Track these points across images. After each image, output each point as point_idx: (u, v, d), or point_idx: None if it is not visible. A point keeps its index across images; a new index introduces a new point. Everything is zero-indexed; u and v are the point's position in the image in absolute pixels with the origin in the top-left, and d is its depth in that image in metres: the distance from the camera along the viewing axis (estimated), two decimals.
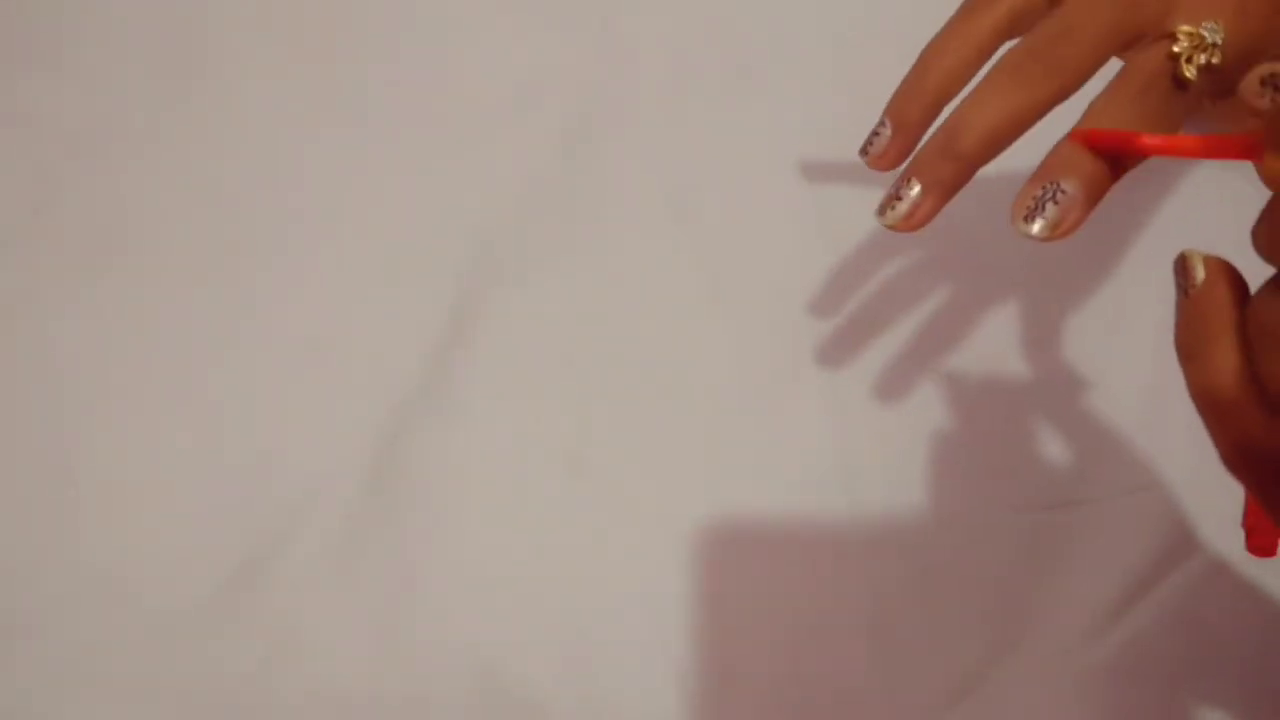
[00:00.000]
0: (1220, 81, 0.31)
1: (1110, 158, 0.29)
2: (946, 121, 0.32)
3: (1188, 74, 0.30)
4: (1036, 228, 0.29)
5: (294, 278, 0.51)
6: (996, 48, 0.33)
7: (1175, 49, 0.30)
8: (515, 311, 0.51)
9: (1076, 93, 0.31)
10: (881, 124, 0.33)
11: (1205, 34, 0.30)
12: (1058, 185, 0.29)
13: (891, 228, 0.32)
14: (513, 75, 0.56)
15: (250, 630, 0.45)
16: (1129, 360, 0.49)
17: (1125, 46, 0.31)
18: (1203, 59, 0.30)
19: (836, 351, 0.50)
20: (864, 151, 0.34)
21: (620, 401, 0.49)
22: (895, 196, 0.32)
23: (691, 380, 0.49)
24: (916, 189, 0.32)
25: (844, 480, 0.48)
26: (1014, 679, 0.43)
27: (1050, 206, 0.29)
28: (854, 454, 0.48)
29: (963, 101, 0.32)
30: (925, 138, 0.33)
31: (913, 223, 0.32)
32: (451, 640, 0.45)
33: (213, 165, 0.54)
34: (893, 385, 0.49)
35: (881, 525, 0.46)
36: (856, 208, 0.52)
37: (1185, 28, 0.30)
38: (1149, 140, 0.27)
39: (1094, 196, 0.29)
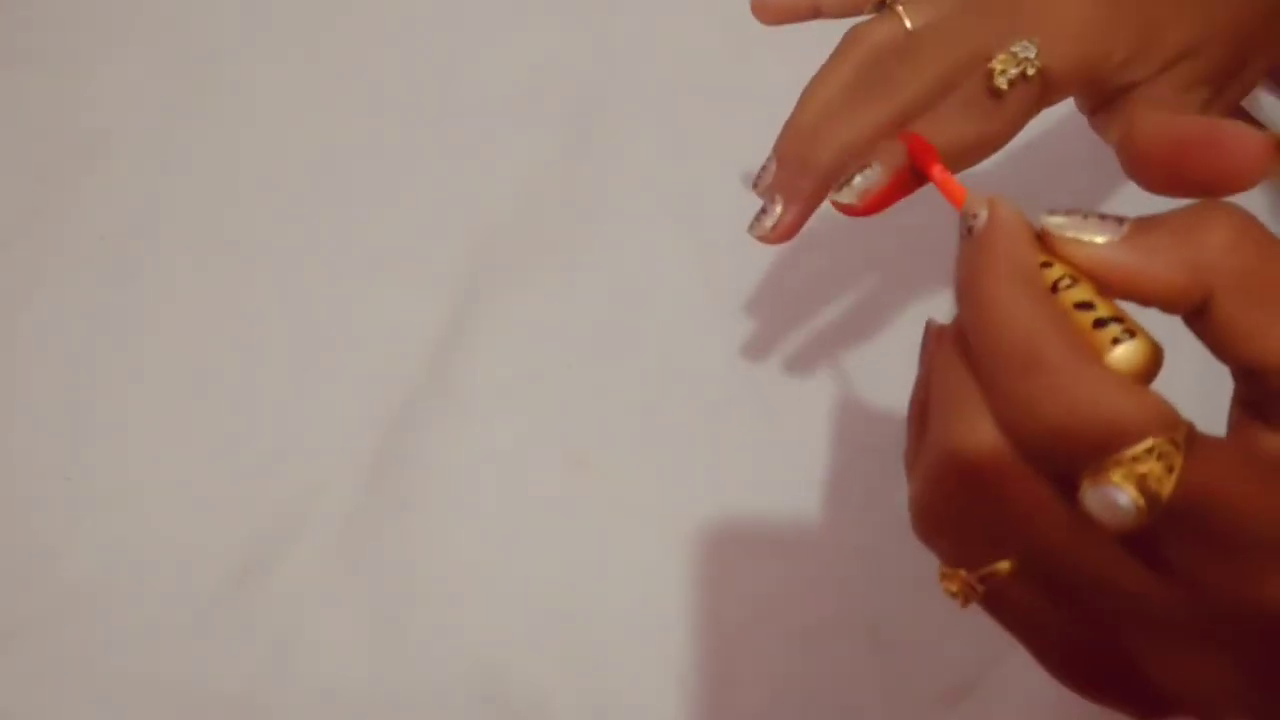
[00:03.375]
0: (1053, 93, 0.34)
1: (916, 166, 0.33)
2: (799, 137, 0.36)
3: (999, 84, 0.33)
4: (843, 195, 0.34)
5: (294, 278, 0.51)
6: (860, 82, 0.36)
7: (990, 65, 0.34)
8: (515, 311, 0.51)
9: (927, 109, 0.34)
10: (769, 160, 0.37)
11: (1017, 50, 0.33)
12: (868, 164, 0.33)
13: (762, 240, 0.37)
14: (513, 75, 0.56)
15: (250, 630, 0.45)
16: None
17: (969, 71, 0.34)
18: (1014, 71, 0.33)
19: (836, 351, 0.50)
20: (754, 186, 0.38)
21: (620, 401, 0.49)
22: (762, 212, 0.37)
23: (691, 380, 0.49)
24: (779, 205, 0.36)
25: (844, 480, 0.48)
26: (1014, 679, 0.43)
27: (858, 179, 0.34)
28: (853, 454, 0.48)
29: (812, 116, 0.36)
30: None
31: (778, 233, 0.36)
32: (452, 640, 0.45)
33: (213, 165, 0.54)
34: (893, 385, 0.49)
35: (881, 525, 0.46)
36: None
37: (1028, 42, 0.34)
38: (935, 171, 0.31)
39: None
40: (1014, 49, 0.33)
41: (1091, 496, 0.21)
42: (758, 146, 0.55)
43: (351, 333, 0.50)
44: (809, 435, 0.48)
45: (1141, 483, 0.21)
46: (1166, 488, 0.21)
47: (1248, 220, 0.23)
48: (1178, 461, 0.21)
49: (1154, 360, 0.23)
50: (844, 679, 0.44)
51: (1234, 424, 0.24)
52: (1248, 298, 0.23)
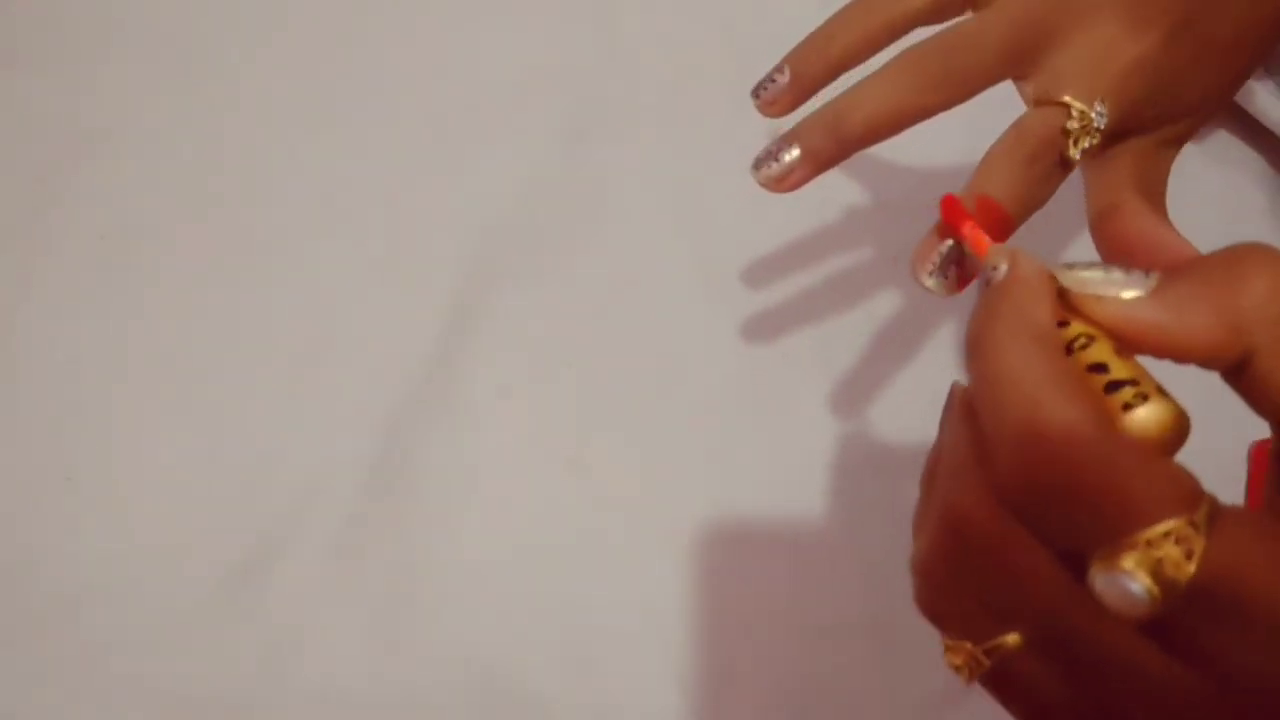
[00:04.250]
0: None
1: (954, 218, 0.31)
2: (838, 99, 0.33)
3: (1073, 155, 0.32)
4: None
5: (294, 278, 0.51)
6: (908, 31, 0.34)
7: (1068, 126, 0.32)
8: (515, 311, 0.51)
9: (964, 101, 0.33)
10: (779, 70, 0.34)
11: (1095, 119, 0.32)
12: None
13: (762, 185, 0.34)
14: (513, 75, 0.56)
15: (250, 630, 0.45)
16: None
17: (1018, 67, 0.33)
18: (1087, 143, 0.32)
19: (837, 351, 0.50)
20: (756, 94, 0.35)
21: (620, 401, 0.49)
22: (773, 156, 0.33)
23: (692, 380, 0.49)
24: (795, 153, 0.33)
25: (844, 480, 0.48)
26: None
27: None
28: (854, 454, 0.48)
29: (858, 84, 0.33)
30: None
31: (784, 185, 0.34)
32: (452, 640, 0.45)
33: (213, 164, 0.54)
34: (893, 385, 0.49)
35: (882, 525, 0.46)
36: (857, 208, 0.52)
37: (1079, 105, 0.32)
38: (967, 230, 0.29)
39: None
40: (1093, 113, 0.32)
41: (1101, 582, 0.20)
42: (757, 147, 0.55)
43: (351, 333, 0.50)
44: (809, 435, 0.48)
45: (1157, 569, 0.19)
46: (1184, 574, 0.19)
47: None
48: (1198, 546, 0.19)
49: (1175, 427, 0.21)
50: (844, 679, 0.44)
51: (1272, 480, 0.23)
52: None
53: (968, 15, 0.34)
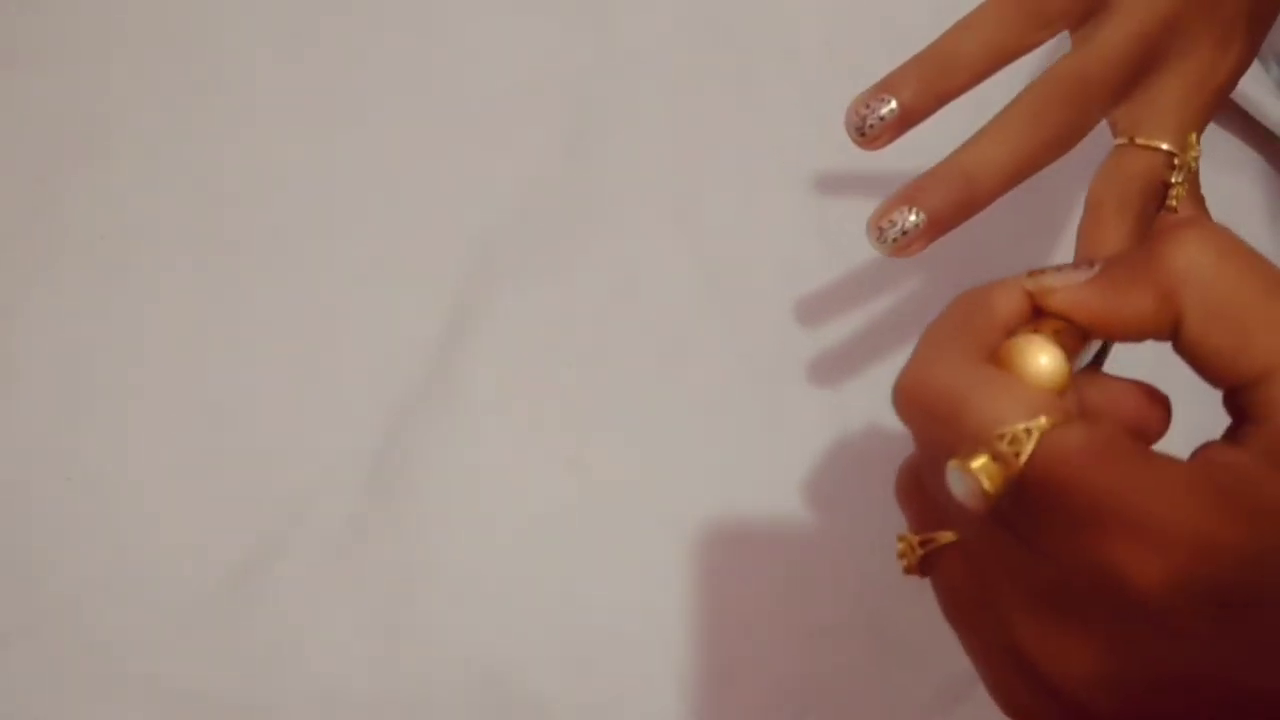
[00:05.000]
0: None
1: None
2: (963, 156, 0.32)
3: (1173, 204, 0.33)
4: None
5: (293, 278, 0.51)
6: (1030, 50, 0.33)
7: (1174, 180, 0.32)
8: (515, 311, 0.51)
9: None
10: (880, 100, 0.32)
11: (1192, 163, 0.33)
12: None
13: (887, 255, 0.32)
14: (513, 75, 0.56)
15: (250, 630, 0.45)
16: (1130, 361, 0.49)
17: (1122, 102, 0.33)
18: (1184, 191, 0.33)
19: (837, 351, 0.50)
20: (859, 129, 0.32)
21: (620, 401, 0.49)
22: (890, 219, 0.31)
23: (692, 381, 0.49)
24: (920, 218, 0.31)
25: (844, 480, 0.48)
26: None
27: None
28: (854, 454, 0.48)
29: (982, 138, 0.32)
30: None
31: (908, 252, 0.32)
32: (451, 640, 0.45)
33: (213, 165, 0.54)
34: (893, 384, 0.49)
35: (882, 525, 0.46)
36: (856, 208, 0.52)
37: (1182, 156, 0.32)
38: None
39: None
40: (1190, 159, 0.32)
41: (950, 479, 0.23)
42: (757, 146, 0.55)
43: (351, 333, 0.50)
44: (810, 435, 0.48)
45: (991, 468, 0.22)
46: (1013, 471, 0.22)
47: (1215, 237, 0.23)
48: (1028, 447, 0.22)
49: (1052, 367, 0.24)
50: (844, 679, 0.44)
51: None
52: (1212, 317, 0.23)
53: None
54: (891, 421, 0.50)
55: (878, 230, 0.32)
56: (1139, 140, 0.33)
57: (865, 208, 0.33)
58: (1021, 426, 0.22)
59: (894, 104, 0.32)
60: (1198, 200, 0.35)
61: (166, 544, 0.46)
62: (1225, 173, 0.53)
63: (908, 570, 0.26)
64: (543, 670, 0.44)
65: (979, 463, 0.22)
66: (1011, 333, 0.25)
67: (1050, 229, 0.51)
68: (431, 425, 0.48)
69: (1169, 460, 0.22)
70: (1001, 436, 0.22)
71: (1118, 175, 0.33)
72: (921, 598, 0.45)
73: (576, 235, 0.52)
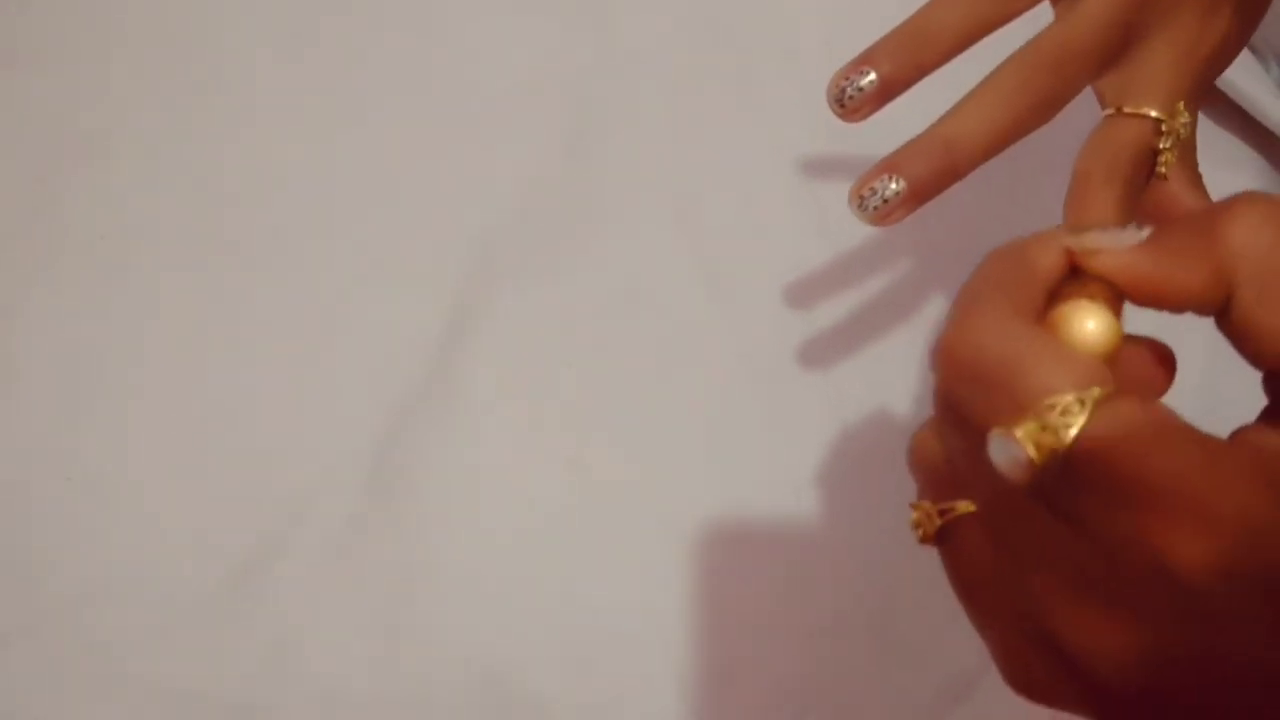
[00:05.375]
0: None
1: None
2: (943, 126, 0.32)
3: (1162, 171, 0.32)
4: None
5: (293, 278, 0.51)
6: (1001, 26, 0.33)
7: (1162, 145, 0.32)
8: (515, 312, 0.51)
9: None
10: (859, 72, 0.33)
11: (1182, 130, 0.32)
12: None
13: (868, 223, 0.32)
14: (513, 75, 0.56)
15: (250, 630, 0.45)
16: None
17: (1106, 71, 0.33)
18: (1174, 155, 0.32)
19: (837, 351, 0.50)
20: (839, 100, 0.33)
21: (620, 401, 0.49)
22: (873, 189, 0.32)
23: (692, 380, 0.49)
24: (900, 185, 0.32)
25: (844, 480, 0.48)
26: None
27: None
28: (854, 454, 0.48)
29: (963, 106, 0.32)
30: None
31: (889, 220, 0.32)
32: (452, 640, 0.45)
33: (212, 165, 0.54)
34: (893, 384, 0.49)
35: (882, 525, 0.46)
36: None
37: (1170, 121, 0.32)
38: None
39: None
40: (1179, 125, 0.32)
41: (993, 447, 0.22)
42: (757, 146, 0.55)
43: (351, 333, 0.50)
44: (810, 435, 0.48)
45: (1039, 438, 0.21)
46: (1062, 443, 0.21)
47: (1274, 210, 0.22)
48: (1079, 419, 0.21)
49: (1105, 332, 0.23)
50: (844, 679, 0.44)
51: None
52: (1265, 295, 0.22)
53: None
54: (892, 421, 0.51)
55: (859, 199, 0.32)
56: (1126, 109, 0.32)
57: None
58: (1073, 397, 0.21)
59: (873, 75, 0.32)
60: (1192, 170, 0.35)
61: (166, 544, 0.46)
62: (1225, 172, 0.52)
63: (923, 540, 0.25)
64: (543, 670, 0.44)
65: (1026, 431, 0.21)
66: (1051, 290, 0.24)
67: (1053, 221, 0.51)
68: (431, 425, 0.48)
69: (1220, 442, 0.22)
70: (1052, 406, 0.21)
71: (1105, 144, 0.32)
72: (922, 598, 0.45)
73: (576, 235, 0.52)
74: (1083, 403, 0.21)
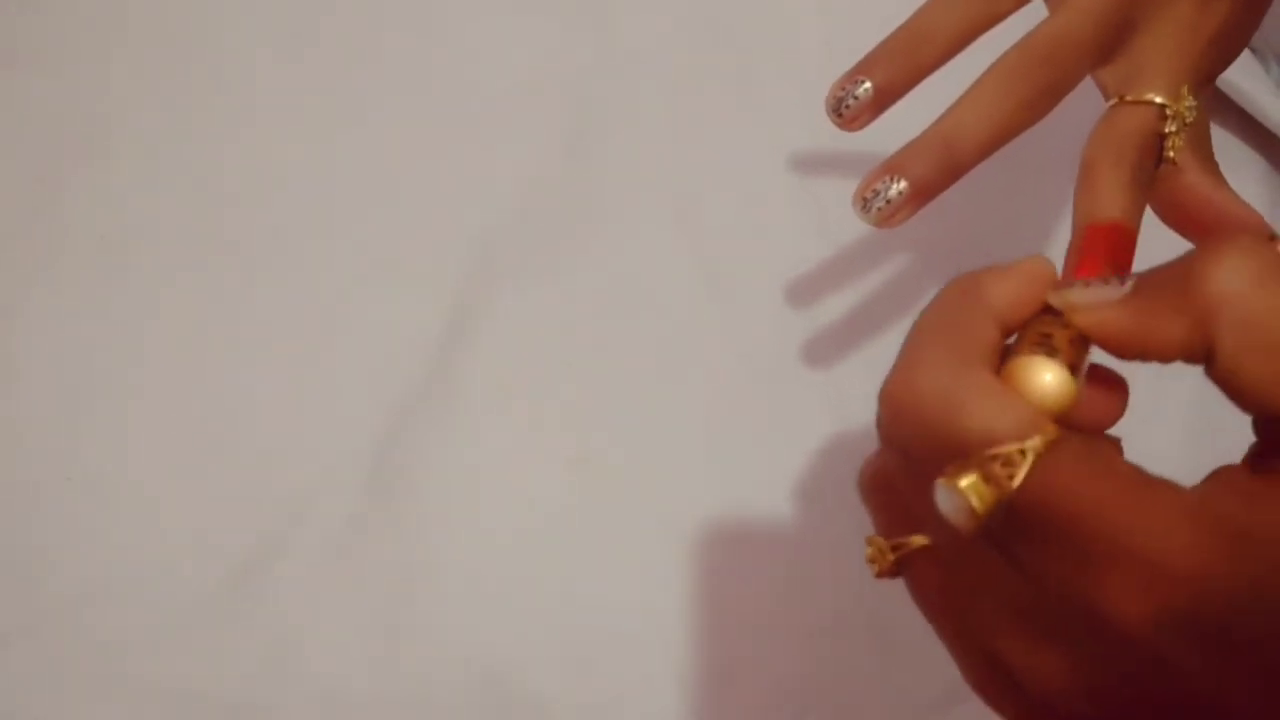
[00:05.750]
0: None
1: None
2: (942, 124, 0.32)
3: (1170, 156, 0.32)
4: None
5: (293, 278, 0.51)
6: (993, 27, 0.33)
7: (1168, 129, 0.32)
8: (515, 311, 0.51)
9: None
10: (855, 81, 0.33)
11: (1187, 113, 0.32)
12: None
13: (873, 225, 0.32)
14: (513, 75, 0.56)
15: (250, 630, 0.45)
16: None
17: (1104, 61, 0.33)
18: (1181, 140, 0.32)
19: (837, 351, 0.50)
20: (837, 110, 0.33)
21: (620, 401, 0.49)
22: (876, 191, 0.32)
23: (692, 380, 0.49)
24: (902, 186, 0.32)
25: (844, 480, 0.47)
26: None
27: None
28: (854, 454, 0.48)
29: (962, 104, 0.32)
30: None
31: (894, 221, 0.32)
32: (452, 640, 0.45)
33: (213, 165, 0.54)
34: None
35: None
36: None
37: (1174, 107, 0.32)
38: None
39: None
40: (1184, 110, 0.32)
41: (939, 496, 0.22)
42: (757, 146, 0.55)
43: (351, 333, 0.50)
44: (810, 434, 0.48)
45: (982, 488, 0.21)
46: (1005, 493, 0.21)
47: (1254, 258, 0.22)
48: (1021, 470, 0.21)
49: (1057, 388, 0.23)
50: (844, 679, 0.44)
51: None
52: (1247, 346, 0.22)
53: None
54: None
55: (862, 201, 0.32)
56: (1128, 97, 0.32)
57: None
58: (1015, 447, 0.21)
59: (869, 84, 0.33)
60: (1205, 154, 0.34)
61: (166, 544, 0.46)
62: (1225, 172, 0.52)
63: (879, 575, 0.26)
64: (543, 670, 0.44)
65: (969, 481, 0.21)
66: (1006, 325, 0.24)
67: (1055, 225, 0.51)
68: (431, 425, 0.48)
69: (1166, 488, 0.22)
70: (995, 457, 0.21)
71: (1111, 132, 0.32)
72: None
73: (576, 235, 0.52)
74: (1024, 453, 0.21)
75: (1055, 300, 0.24)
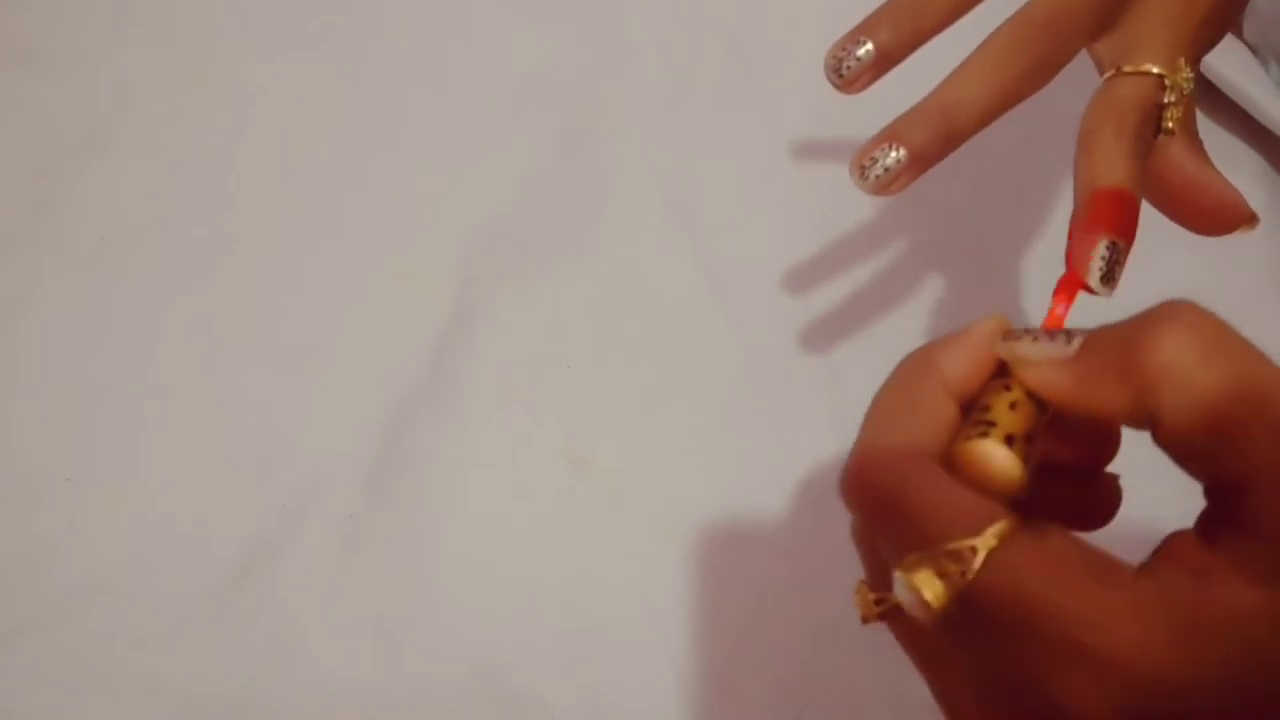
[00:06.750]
0: None
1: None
2: (940, 93, 0.32)
3: (1169, 126, 0.32)
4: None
5: (293, 277, 0.51)
6: None
7: (1167, 99, 0.31)
8: (515, 311, 0.51)
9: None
10: (856, 42, 0.32)
11: (1185, 85, 0.32)
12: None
13: (870, 193, 0.32)
14: (513, 75, 0.56)
15: (251, 629, 0.45)
16: None
17: (1102, 32, 0.32)
18: (1179, 111, 0.32)
19: (837, 349, 0.50)
20: (837, 71, 0.32)
21: (620, 401, 0.49)
22: (872, 157, 0.31)
23: (691, 379, 0.49)
24: (900, 154, 0.31)
25: None
26: None
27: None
28: None
29: (960, 73, 0.32)
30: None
31: (891, 189, 0.32)
32: (451, 640, 0.45)
33: (213, 164, 0.54)
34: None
35: None
36: (856, 206, 0.52)
37: (1172, 77, 0.32)
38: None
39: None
40: (1182, 81, 0.32)
41: (897, 588, 0.22)
42: (757, 146, 0.55)
43: (351, 333, 0.50)
44: (810, 434, 0.48)
45: (935, 583, 0.22)
46: (957, 587, 0.21)
47: (1200, 330, 0.22)
48: (974, 564, 0.21)
49: (1003, 472, 0.23)
50: (844, 678, 0.44)
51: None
52: (1190, 420, 0.21)
53: None
54: None
55: (860, 169, 0.32)
56: (1126, 68, 0.32)
57: (865, 205, 0.33)
58: (968, 544, 0.22)
59: (870, 45, 0.32)
60: (1192, 135, 0.34)
61: (166, 543, 0.46)
62: (1225, 172, 0.53)
63: (863, 621, 0.26)
64: (542, 670, 0.44)
65: (923, 576, 0.22)
66: (961, 395, 0.25)
67: (1052, 220, 0.51)
68: (431, 425, 0.48)
69: (1117, 576, 0.21)
70: (948, 552, 0.22)
71: (1110, 102, 0.32)
72: None
73: (577, 235, 0.52)
74: (975, 548, 0.22)
75: (1003, 351, 0.25)
